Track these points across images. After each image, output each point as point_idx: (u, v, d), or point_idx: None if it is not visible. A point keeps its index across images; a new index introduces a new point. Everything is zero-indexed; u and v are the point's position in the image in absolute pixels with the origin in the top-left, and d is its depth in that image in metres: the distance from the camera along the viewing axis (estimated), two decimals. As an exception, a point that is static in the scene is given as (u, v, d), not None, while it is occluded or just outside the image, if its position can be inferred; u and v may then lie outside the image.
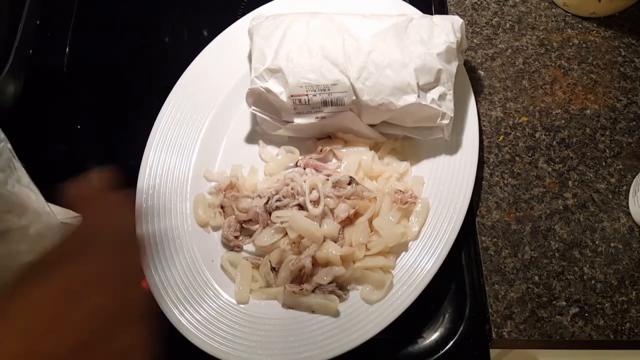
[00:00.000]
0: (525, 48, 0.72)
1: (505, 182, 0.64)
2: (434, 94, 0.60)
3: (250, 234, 0.60)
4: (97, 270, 0.33)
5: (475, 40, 0.73)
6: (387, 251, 0.57)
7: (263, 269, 0.58)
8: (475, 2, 0.76)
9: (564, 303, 0.58)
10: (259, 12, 0.70)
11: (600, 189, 0.63)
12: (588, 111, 0.68)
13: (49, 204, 0.56)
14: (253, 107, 0.62)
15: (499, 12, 0.75)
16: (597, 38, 0.72)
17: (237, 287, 0.57)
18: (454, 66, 0.61)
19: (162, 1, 0.82)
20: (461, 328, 0.57)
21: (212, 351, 0.54)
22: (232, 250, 0.60)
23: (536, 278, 0.59)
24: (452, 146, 0.63)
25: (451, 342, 0.57)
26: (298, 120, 0.61)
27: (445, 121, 0.60)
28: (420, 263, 0.57)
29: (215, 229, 0.61)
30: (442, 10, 0.75)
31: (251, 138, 0.66)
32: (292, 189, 0.59)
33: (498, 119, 0.68)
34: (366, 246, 0.57)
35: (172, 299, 0.57)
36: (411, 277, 0.56)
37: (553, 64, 0.71)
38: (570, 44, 0.72)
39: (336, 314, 0.55)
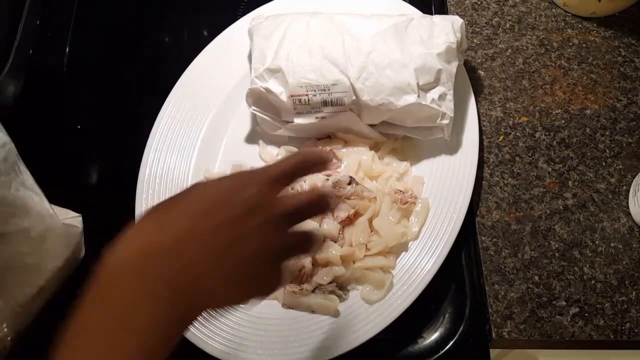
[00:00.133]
0: (525, 48, 0.72)
1: (505, 182, 0.64)
2: (434, 94, 0.60)
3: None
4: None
5: (475, 40, 0.73)
6: (387, 251, 0.58)
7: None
8: (475, 2, 0.76)
9: (564, 303, 0.58)
10: (259, 12, 0.70)
11: (600, 189, 0.63)
12: (588, 111, 0.68)
13: (51, 205, 0.56)
14: (253, 107, 0.62)
15: (499, 12, 0.75)
16: (597, 38, 0.72)
17: (237, 287, 0.57)
18: (454, 66, 0.61)
19: (162, 1, 0.82)
20: (461, 328, 0.57)
21: (211, 351, 0.54)
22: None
23: (536, 278, 0.59)
24: (452, 146, 0.63)
25: (451, 342, 0.57)
26: (298, 120, 0.61)
27: (445, 121, 0.60)
28: (420, 263, 0.57)
29: (215, 229, 0.61)
30: (442, 10, 0.75)
31: (251, 138, 0.66)
32: (292, 188, 0.59)
33: (498, 119, 0.68)
34: (366, 246, 0.57)
35: (172, 299, 0.56)
36: (411, 277, 0.56)
37: (553, 64, 0.71)
38: (570, 44, 0.72)
39: (336, 314, 0.55)
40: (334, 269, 0.56)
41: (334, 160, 0.63)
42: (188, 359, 0.56)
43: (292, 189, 0.59)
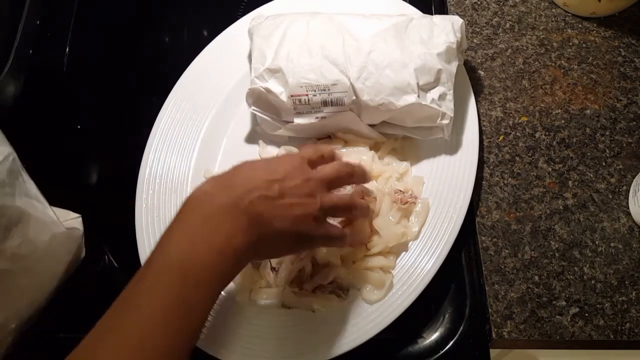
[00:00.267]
0: (525, 48, 0.72)
1: (505, 182, 0.64)
2: (434, 94, 0.60)
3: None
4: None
5: (475, 40, 0.73)
6: (387, 251, 0.58)
7: (263, 269, 0.58)
8: (475, 2, 0.76)
9: (564, 303, 0.58)
10: (259, 12, 0.70)
11: (600, 189, 0.63)
12: (588, 111, 0.68)
13: (52, 207, 0.56)
14: (253, 107, 0.62)
15: (499, 12, 0.75)
16: (597, 38, 0.72)
17: (237, 287, 0.57)
18: (454, 66, 0.61)
19: (162, 1, 0.82)
20: (461, 328, 0.57)
21: (211, 351, 0.54)
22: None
23: (536, 278, 0.59)
24: (452, 146, 0.63)
25: (451, 342, 0.57)
26: (298, 120, 0.61)
27: (445, 121, 0.60)
28: (420, 263, 0.57)
29: (215, 229, 0.61)
30: (442, 10, 0.75)
31: (251, 138, 0.66)
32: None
33: (498, 119, 0.68)
34: (366, 246, 0.57)
35: (172, 299, 0.57)
36: (411, 277, 0.56)
37: (553, 64, 0.71)
38: (570, 44, 0.72)
39: (336, 314, 0.55)
40: (334, 269, 0.56)
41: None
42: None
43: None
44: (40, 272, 0.56)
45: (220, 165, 0.65)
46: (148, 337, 0.38)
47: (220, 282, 0.43)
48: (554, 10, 0.75)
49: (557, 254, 0.60)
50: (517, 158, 0.65)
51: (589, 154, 0.65)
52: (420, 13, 0.68)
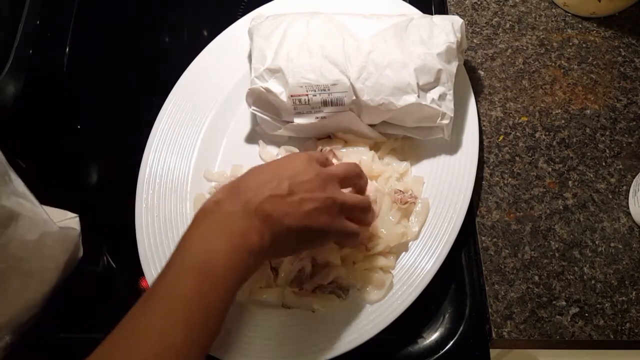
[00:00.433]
0: (525, 48, 0.72)
1: (505, 182, 0.64)
2: (434, 94, 0.60)
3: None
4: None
5: (475, 40, 0.73)
6: (387, 251, 0.57)
7: (263, 269, 0.58)
8: (475, 2, 0.76)
9: (564, 303, 0.58)
10: (259, 12, 0.70)
11: (600, 189, 0.63)
12: (588, 111, 0.68)
13: (47, 207, 0.56)
14: (253, 107, 0.62)
15: (499, 12, 0.75)
16: (597, 38, 0.72)
17: (237, 287, 0.57)
18: (454, 66, 0.61)
19: (162, 1, 0.82)
20: (461, 328, 0.57)
21: (211, 351, 0.54)
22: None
23: (536, 278, 0.59)
24: (452, 146, 0.63)
25: (451, 342, 0.57)
26: (298, 120, 0.61)
27: (445, 121, 0.60)
28: (420, 263, 0.57)
29: (215, 229, 0.61)
30: (442, 10, 0.75)
31: (251, 138, 0.66)
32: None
33: (498, 119, 0.68)
34: (366, 246, 0.57)
35: (172, 299, 0.57)
36: (411, 277, 0.56)
37: (553, 64, 0.71)
38: (570, 44, 0.72)
39: (336, 314, 0.55)
40: (334, 269, 0.56)
41: (334, 161, 0.63)
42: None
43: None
44: (35, 272, 0.56)
45: (220, 165, 0.65)
46: (167, 333, 0.39)
47: (237, 281, 0.44)
48: (554, 10, 0.75)
49: (557, 254, 0.60)
50: (517, 158, 0.65)
51: (589, 154, 0.65)
52: (420, 13, 0.68)
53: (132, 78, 0.75)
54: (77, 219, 0.61)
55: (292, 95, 0.60)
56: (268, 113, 0.63)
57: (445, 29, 0.62)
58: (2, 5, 0.71)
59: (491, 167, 0.65)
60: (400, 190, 0.60)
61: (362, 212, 0.53)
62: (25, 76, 0.73)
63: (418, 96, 0.59)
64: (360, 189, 0.55)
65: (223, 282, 0.43)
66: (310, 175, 0.48)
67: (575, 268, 0.60)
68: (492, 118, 0.68)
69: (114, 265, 0.64)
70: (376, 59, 0.59)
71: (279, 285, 0.57)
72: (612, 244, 0.61)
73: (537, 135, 0.67)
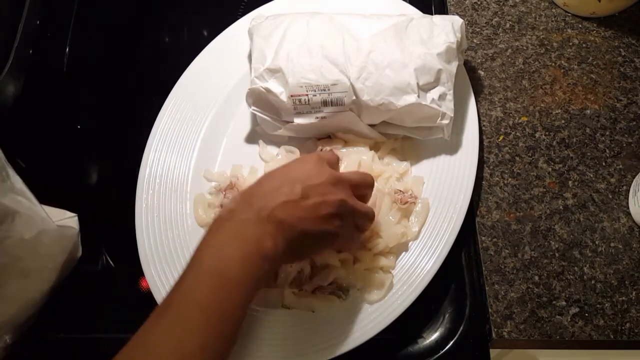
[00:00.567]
0: (525, 48, 0.72)
1: (505, 182, 0.64)
2: (434, 94, 0.60)
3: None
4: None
5: (475, 40, 0.73)
6: (387, 251, 0.57)
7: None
8: (475, 2, 0.76)
9: (564, 303, 0.58)
10: (259, 12, 0.70)
11: (600, 189, 0.63)
12: (588, 111, 0.68)
13: (45, 206, 0.56)
14: (253, 107, 0.62)
15: (499, 12, 0.75)
16: (597, 38, 0.72)
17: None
18: (454, 66, 0.61)
19: (162, 1, 0.82)
20: (461, 328, 0.57)
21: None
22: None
23: (536, 278, 0.59)
24: (452, 146, 0.63)
25: (451, 342, 0.57)
26: (298, 120, 0.61)
27: (445, 121, 0.60)
28: (420, 263, 0.57)
29: (215, 229, 0.61)
30: (442, 10, 0.75)
31: (251, 138, 0.66)
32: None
33: (498, 119, 0.68)
34: (366, 247, 0.57)
35: (172, 299, 0.57)
36: (411, 277, 0.56)
37: (553, 64, 0.71)
38: (570, 44, 0.72)
39: (336, 314, 0.55)
40: (334, 269, 0.56)
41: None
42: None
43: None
44: (33, 271, 0.56)
45: (220, 165, 0.65)
46: (184, 340, 0.40)
47: (252, 287, 0.44)
48: (554, 10, 0.75)
49: (557, 254, 0.60)
50: (517, 158, 0.65)
51: (589, 154, 0.65)
52: (420, 13, 0.68)
53: (132, 78, 0.75)
54: (76, 218, 0.61)
55: (292, 95, 0.60)
56: (268, 113, 0.63)
57: (445, 29, 0.62)
58: (2, 5, 0.71)
59: (491, 167, 0.65)
60: (400, 190, 0.60)
61: (368, 221, 0.54)
62: (25, 76, 0.73)
63: (418, 96, 0.59)
64: (366, 199, 0.55)
65: (238, 288, 0.43)
66: (322, 179, 0.48)
67: (575, 268, 0.60)
68: (492, 118, 0.68)
69: (113, 265, 0.64)
70: (376, 59, 0.59)
71: (278, 286, 0.57)
72: (612, 244, 0.61)
73: (537, 135, 0.67)
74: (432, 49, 0.60)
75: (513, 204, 0.63)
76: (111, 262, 0.64)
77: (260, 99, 0.62)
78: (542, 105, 0.68)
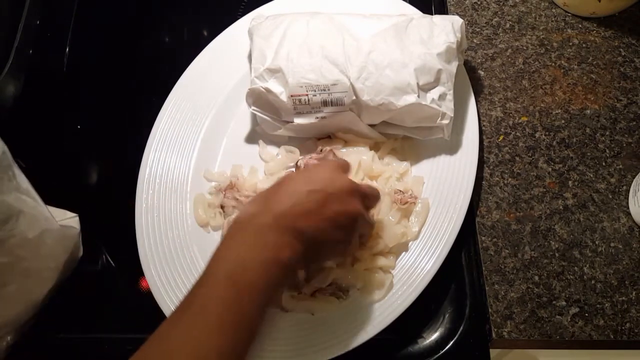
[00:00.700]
0: (525, 48, 0.72)
1: (505, 182, 0.64)
2: (434, 94, 0.60)
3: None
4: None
5: (475, 40, 0.73)
6: (387, 251, 0.57)
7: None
8: (475, 2, 0.76)
9: (564, 303, 0.58)
10: (259, 12, 0.70)
11: (600, 189, 0.63)
12: (588, 111, 0.68)
13: (47, 206, 0.56)
14: (253, 107, 0.62)
15: (499, 12, 0.75)
16: (597, 38, 0.72)
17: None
18: (454, 66, 0.61)
19: (162, 1, 0.82)
20: (461, 328, 0.57)
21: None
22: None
23: (536, 278, 0.59)
24: (452, 146, 0.63)
25: (451, 342, 0.57)
26: (298, 120, 0.61)
27: (445, 121, 0.60)
28: (420, 263, 0.57)
29: (216, 229, 0.61)
30: (442, 10, 0.75)
31: (251, 138, 0.66)
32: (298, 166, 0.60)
33: (498, 119, 0.68)
34: (366, 247, 0.57)
35: (171, 299, 0.57)
36: (411, 277, 0.56)
37: (553, 64, 0.71)
38: (570, 44, 0.72)
39: (336, 314, 0.55)
40: (332, 271, 0.56)
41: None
42: None
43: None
44: (35, 271, 0.56)
45: (220, 165, 0.65)
46: (201, 342, 0.40)
47: (270, 293, 0.44)
48: (554, 10, 0.75)
49: (557, 254, 0.60)
50: (517, 158, 0.65)
51: (589, 154, 0.65)
52: (420, 13, 0.68)
53: (132, 78, 0.75)
54: (77, 218, 0.61)
55: (292, 95, 0.60)
56: (268, 113, 0.63)
57: (445, 29, 0.62)
58: (2, 5, 0.71)
59: (491, 167, 0.65)
60: (400, 190, 0.60)
61: (370, 231, 0.55)
62: (25, 76, 0.73)
63: (418, 96, 0.59)
64: (369, 211, 0.55)
65: (256, 293, 0.43)
66: (339, 186, 0.48)
67: (575, 268, 0.60)
68: (492, 118, 0.68)
69: (113, 265, 0.64)
70: (376, 59, 0.59)
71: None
72: (612, 244, 0.61)
73: (537, 135, 0.67)
74: (432, 49, 0.60)
75: (513, 204, 0.63)
76: (111, 262, 0.64)
77: (260, 99, 0.62)
78: (542, 105, 0.68)
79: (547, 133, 0.67)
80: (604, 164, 0.65)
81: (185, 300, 0.43)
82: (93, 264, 0.63)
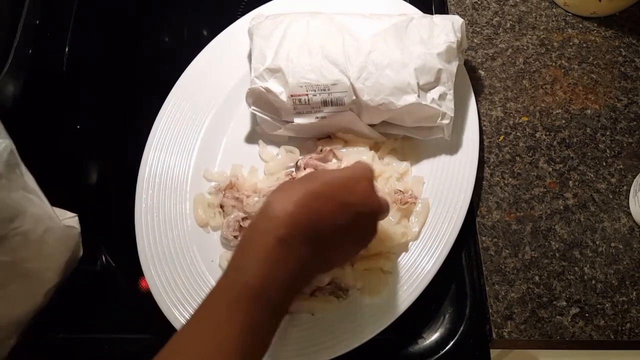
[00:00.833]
0: (525, 48, 0.72)
1: (506, 182, 0.64)
2: (434, 93, 0.60)
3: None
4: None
5: (475, 40, 0.73)
6: (387, 251, 0.57)
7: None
8: (475, 2, 0.75)
9: (564, 303, 0.58)
10: (259, 12, 0.70)
11: (601, 189, 0.63)
12: (588, 111, 0.68)
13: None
14: (253, 107, 0.62)
15: (499, 12, 0.75)
16: (597, 38, 0.72)
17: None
18: (454, 66, 0.61)
19: (162, 1, 0.82)
20: (461, 328, 0.57)
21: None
22: (232, 250, 0.60)
23: (536, 278, 0.59)
24: (452, 146, 0.63)
25: (451, 343, 0.57)
26: (298, 120, 0.61)
27: (446, 121, 0.60)
28: (420, 263, 0.57)
29: (215, 229, 0.61)
30: (442, 10, 0.75)
31: (251, 138, 0.66)
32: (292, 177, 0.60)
33: (498, 118, 0.68)
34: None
35: (171, 299, 0.57)
36: (411, 277, 0.56)
37: (553, 64, 0.71)
38: (571, 43, 0.72)
39: (336, 314, 0.55)
40: (332, 270, 0.56)
41: (334, 161, 0.63)
42: None
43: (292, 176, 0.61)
44: (38, 270, 0.56)
45: (220, 165, 0.65)
46: (216, 349, 0.39)
47: (291, 302, 0.44)
48: (554, 10, 0.75)
49: (557, 254, 0.60)
50: (518, 158, 0.65)
51: (589, 154, 0.65)
52: (421, 13, 0.68)
53: (132, 78, 0.75)
54: (76, 218, 0.61)
55: (292, 95, 0.60)
56: (268, 113, 0.63)
57: (446, 29, 0.61)
58: (1, 5, 0.71)
59: (491, 167, 0.65)
60: (400, 191, 0.59)
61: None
62: (25, 76, 0.73)
63: (418, 96, 0.59)
64: None
65: (279, 309, 0.43)
66: (372, 208, 0.48)
67: (576, 268, 0.59)
68: (492, 118, 0.68)
69: (113, 265, 0.64)
70: (376, 59, 0.59)
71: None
72: (612, 244, 0.60)
73: (537, 135, 0.67)
74: (432, 49, 0.60)
75: (513, 204, 0.63)
76: (111, 262, 0.64)
77: (260, 99, 0.62)
78: (542, 105, 0.68)
79: (547, 133, 0.66)
80: (604, 164, 0.65)
81: (205, 306, 0.42)
82: (93, 264, 0.63)
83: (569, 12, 0.74)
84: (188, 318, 0.55)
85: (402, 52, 0.60)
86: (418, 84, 0.59)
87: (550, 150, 0.65)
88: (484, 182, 0.64)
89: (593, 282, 0.59)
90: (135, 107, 0.72)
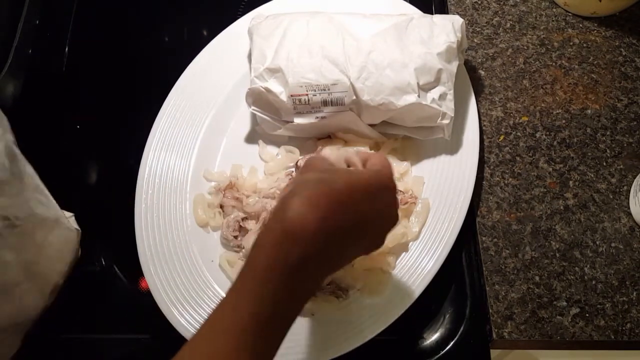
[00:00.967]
0: (525, 48, 0.72)
1: (506, 182, 0.64)
2: (435, 93, 0.60)
3: (250, 234, 0.60)
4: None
5: (475, 40, 0.73)
6: (387, 251, 0.57)
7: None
8: (475, 2, 0.75)
9: (564, 303, 0.58)
10: (259, 12, 0.70)
11: (601, 189, 0.63)
12: (589, 111, 0.68)
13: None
14: (253, 107, 0.62)
15: (499, 12, 0.75)
16: (597, 38, 0.72)
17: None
18: (454, 66, 0.61)
19: (162, 1, 0.82)
20: (461, 328, 0.57)
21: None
22: (232, 250, 0.60)
23: (537, 278, 0.59)
24: (452, 146, 0.63)
25: (451, 343, 0.57)
26: (298, 120, 0.61)
27: (446, 121, 0.60)
28: (420, 263, 0.57)
29: (215, 229, 0.61)
30: (443, 9, 0.75)
31: (251, 138, 0.66)
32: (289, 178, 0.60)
33: (498, 118, 0.68)
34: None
35: (171, 299, 0.56)
36: (411, 277, 0.56)
37: (554, 64, 0.71)
38: (571, 43, 0.72)
39: (336, 314, 0.55)
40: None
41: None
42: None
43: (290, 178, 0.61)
44: (42, 269, 0.56)
45: (219, 165, 0.65)
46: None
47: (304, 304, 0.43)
48: (554, 10, 0.75)
49: (557, 254, 0.60)
50: (518, 158, 0.65)
51: (589, 154, 0.65)
52: (421, 13, 0.68)
53: (132, 78, 0.75)
54: (73, 218, 0.61)
55: (292, 95, 0.60)
56: (268, 113, 0.63)
57: (446, 29, 0.61)
58: (1, 4, 0.71)
59: (492, 167, 0.65)
60: (401, 190, 0.59)
61: None
62: (25, 76, 0.73)
63: (418, 96, 0.59)
64: None
65: (295, 316, 0.42)
66: (390, 224, 0.46)
67: (576, 268, 0.59)
68: (492, 118, 0.68)
69: (113, 265, 0.64)
70: (376, 59, 0.59)
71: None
72: (612, 244, 0.60)
73: (537, 135, 0.66)
74: (432, 49, 0.60)
75: (514, 204, 0.63)
76: (111, 262, 0.64)
77: (260, 99, 0.62)
78: (542, 105, 0.68)
79: (547, 133, 0.66)
80: (604, 164, 0.65)
81: (223, 303, 0.40)
82: (93, 264, 0.63)
83: (569, 12, 0.74)
84: (188, 318, 0.56)
85: (402, 52, 0.60)
86: (418, 84, 0.59)
87: (550, 150, 0.65)
88: (484, 182, 0.64)
89: (593, 282, 0.59)
90: (135, 107, 0.72)
